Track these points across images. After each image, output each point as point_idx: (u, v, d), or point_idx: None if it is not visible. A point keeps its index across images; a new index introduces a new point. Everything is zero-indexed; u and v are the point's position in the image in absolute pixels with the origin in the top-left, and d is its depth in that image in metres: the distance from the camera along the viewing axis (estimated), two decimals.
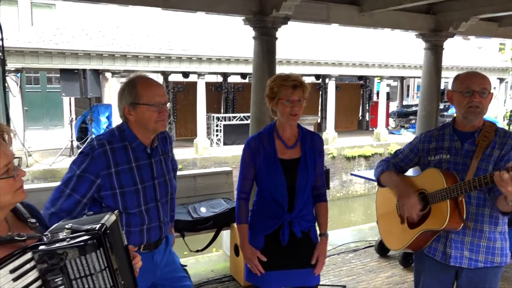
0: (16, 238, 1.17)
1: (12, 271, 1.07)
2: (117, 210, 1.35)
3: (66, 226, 1.16)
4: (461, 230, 1.99)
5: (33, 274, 1.11)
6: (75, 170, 1.84)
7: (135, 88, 1.86)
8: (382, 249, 4.37)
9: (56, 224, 1.23)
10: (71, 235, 1.13)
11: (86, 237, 1.12)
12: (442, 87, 12.01)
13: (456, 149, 2.05)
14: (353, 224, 12.04)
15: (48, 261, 1.10)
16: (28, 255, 1.10)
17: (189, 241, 3.66)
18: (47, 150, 12.43)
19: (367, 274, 4.06)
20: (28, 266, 1.10)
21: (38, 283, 1.11)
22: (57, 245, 1.11)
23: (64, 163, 11.09)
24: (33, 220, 1.32)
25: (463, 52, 17.89)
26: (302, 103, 2.16)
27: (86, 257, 1.11)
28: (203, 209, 3.89)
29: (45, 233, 1.17)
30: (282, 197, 2.18)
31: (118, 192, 1.85)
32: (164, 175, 2.02)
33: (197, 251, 3.96)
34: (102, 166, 1.83)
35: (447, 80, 25.18)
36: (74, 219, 1.26)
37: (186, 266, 2.32)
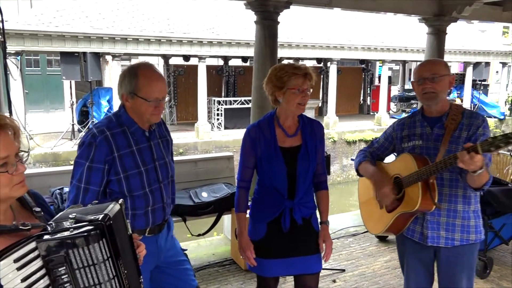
0: (20, 227, 1.19)
1: (16, 260, 1.08)
2: (121, 199, 1.36)
3: (70, 216, 1.18)
4: (436, 211, 2.09)
5: (37, 264, 1.12)
6: (84, 162, 1.84)
7: (136, 79, 1.86)
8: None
9: (61, 213, 1.25)
10: (74, 225, 1.15)
11: (89, 228, 1.14)
12: None
13: (427, 135, 2.15)
14: (353, 207, 12.14)
15: (52, 251, 1.12)
16: (32, 245, 1.12)
17: (190, 225, 3.71)
18: (48, 133, 12.46)
19: (366, 258, 4.12)
20: (32, 255, 1.11)
21: (42, 272, 1.13)
22: (60, 235, 1.13)
23: (65, 147, 11.13)
24: (38, 209, 1.33)
25: (466, 35, 17.71)
26: (308, 92, 2.16)
27: (89, 248, 1.12)
28: (204, 194, 3.93)
29: (49, 223, 1.18)
30: (282, 185, 2.19)
31: (122, 176, 1.87)
32: (164, 158, 2.04)
33: (199, 235, 4.00)
34: (106, 152, 1.84)
35: (449, 63, 25.01)
36: (79, 208, 1.28)
37: (186, 250, 2.36)
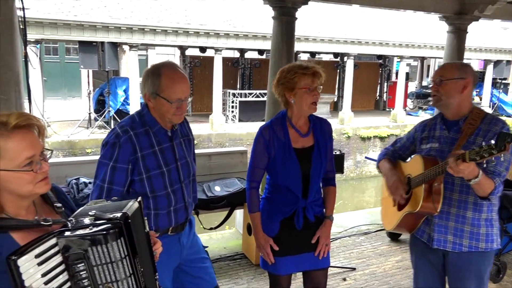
0: (42, 223, 1.22)
1: (37, 256, 1.11)
2: (140, 198, 1.38)
3: (90, 213, 1.20)
4: (444, 215, 2.08)
5: (57, 259, 1.15)
6: (107, 162, 1.85)
7: (159, 80, 1.85)
8: (393, 233, 4.40)
9: (81, 208, 1.27)
10: (94, 222, 1.18)
11: (108, 226, 1.16)
12: None
13: (444, 138, 2.15)
14: (365, 204, 12.10)
15: (71, 248, 1.15)
16: (53, 241, 1.15)
17: (202, 219, 3.74)
18: (65, 121, 12.65)
19: (377, 257, 4.11)
20: (52, 251, 1.15)
21: (62, 267, 1.16)
22: (80, 232, 1.16)
23: (81, 135, 11.29)
24: (59, 205, 1.36)
25: (488, 32, 17.33)
26: (319, 89, 2.17)
27: (107, 246, 1.15)
28: (217, 188, 3.95)
29: (69, 219, 1.21)
30: (296, 186, 2.21)
31: (144, 176, 1.88)
32: (185, 157, 2.05)
33: (210, 229, 4.04)
34: (130, 152, 1.85)
35: (469, 61, 24.55)
36: (98, 205, 1.30)
37: (207, 247, 2.38)
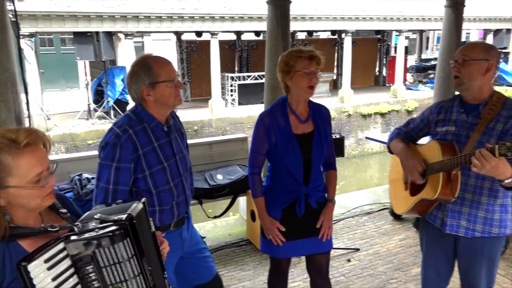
0: (49, 229, 1.25)
1: (46, 261, 1.14)
2: (144, 198, 1.40)
3: (95, 217, 1.23)
4: (459, 201, 2.03)
5: (66, 263, 1.18)
6: (110, 164, 1.84)
7: (151, 69, 1.86)
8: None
9: (86, 213, 1.31)
10: (99, 225, 1.21)
11: (113, 228, 1.19)
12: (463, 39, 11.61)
13: (462, 121, 2.05)
14: (369, 182, 12.16)
15: (79, 251, 1.18)
16: (61, 246, 1.18)
17: (206, 207, 3.78)
18: (65, 113, 12.65)
19: (380, 236, 4.16)
20: (61, 255, 1.18)
21: (71, 271, 1.19)
22: (86, 235, 1.19)
23: (82, 127, 11.31)
24: (64, 211, 1.39)
25: (486, 1, 17.06)
26: (318, 75, 2.17)
27: (114, 247, 1.18)
28: (219, 176, 3.98)
29: (75, 223, 1.24)
30: (298, 172, 2.24)
31: (147, 173, 1.90)
32: (182, 151, 2.08)
33: (215, 217, 4.09)
34: (132, 151, 1.85)
35: (468, 31, 24.24)
36: (102, 208, 1.33)
37: (204, 237, 2.42)
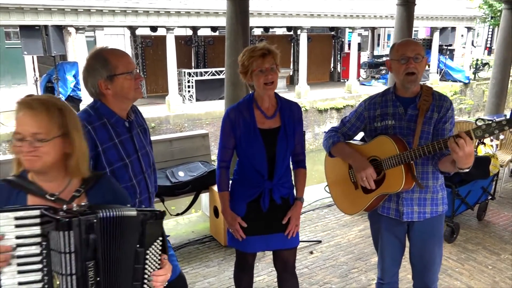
0: (47, 196, 1.32)
1: (17, 218, 1.19)
2: (149, 213, 1.35)
3: (85, 207, 1.26)
4: (410, 189, 2.18)
5: (35, 230, 1.21)
6: None
7: (108, 61, 1.80)
8: None
9: (95, 205, 1.32)
10: (80, 215, 1.22)
11: (76, 218, 1.20)
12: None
13: (400, 115, 2.18)
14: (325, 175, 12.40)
15: (44, 224, 1.21)
16: (37, 212, 1.21)
17: (168, 204, 3.73)
18: (12, 111, 11.96)
19: (341, 228, 4.28)
20: (33, 220, 1.21)
21: (37, 239, 1.21)
22: (61, 213, 1.21)
23: None
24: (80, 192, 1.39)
25: (433, 1, 17.86)
26: (275, 70, 2.18)
27: (59, 233, 1.19)
28: (181, 173, 3.93)
29: (81, 204, 1.27)
30: (262, 166, 2.26)
31: (108, 170, 1.84)
32: (144, 147, 2.03)
33: (177, 215, 4.04)
34: (91, 147, 1.77)
35: (416, 29, 25.30)
36: (116, 205, 1.33)
37: (168, 236, 2.39)
